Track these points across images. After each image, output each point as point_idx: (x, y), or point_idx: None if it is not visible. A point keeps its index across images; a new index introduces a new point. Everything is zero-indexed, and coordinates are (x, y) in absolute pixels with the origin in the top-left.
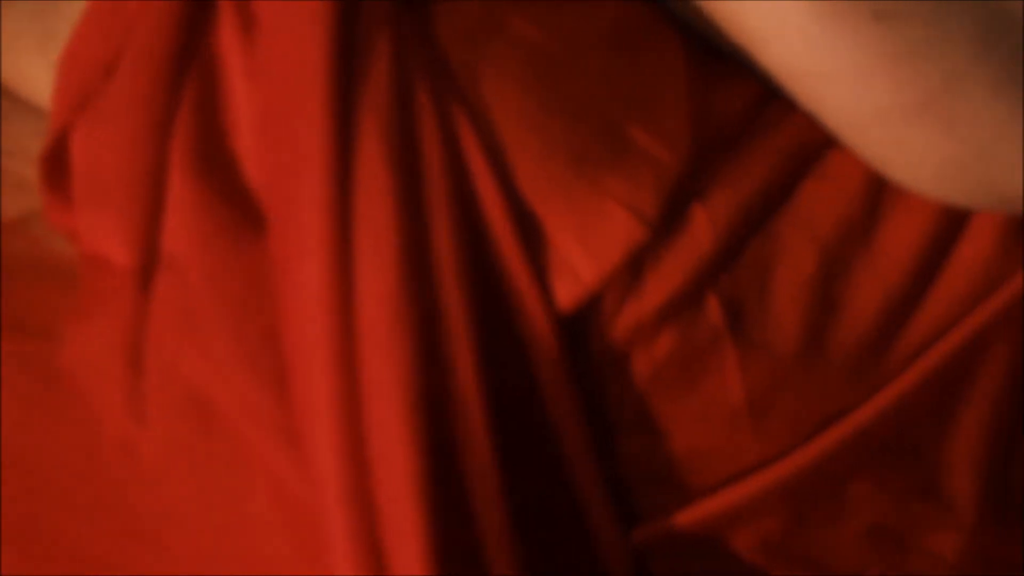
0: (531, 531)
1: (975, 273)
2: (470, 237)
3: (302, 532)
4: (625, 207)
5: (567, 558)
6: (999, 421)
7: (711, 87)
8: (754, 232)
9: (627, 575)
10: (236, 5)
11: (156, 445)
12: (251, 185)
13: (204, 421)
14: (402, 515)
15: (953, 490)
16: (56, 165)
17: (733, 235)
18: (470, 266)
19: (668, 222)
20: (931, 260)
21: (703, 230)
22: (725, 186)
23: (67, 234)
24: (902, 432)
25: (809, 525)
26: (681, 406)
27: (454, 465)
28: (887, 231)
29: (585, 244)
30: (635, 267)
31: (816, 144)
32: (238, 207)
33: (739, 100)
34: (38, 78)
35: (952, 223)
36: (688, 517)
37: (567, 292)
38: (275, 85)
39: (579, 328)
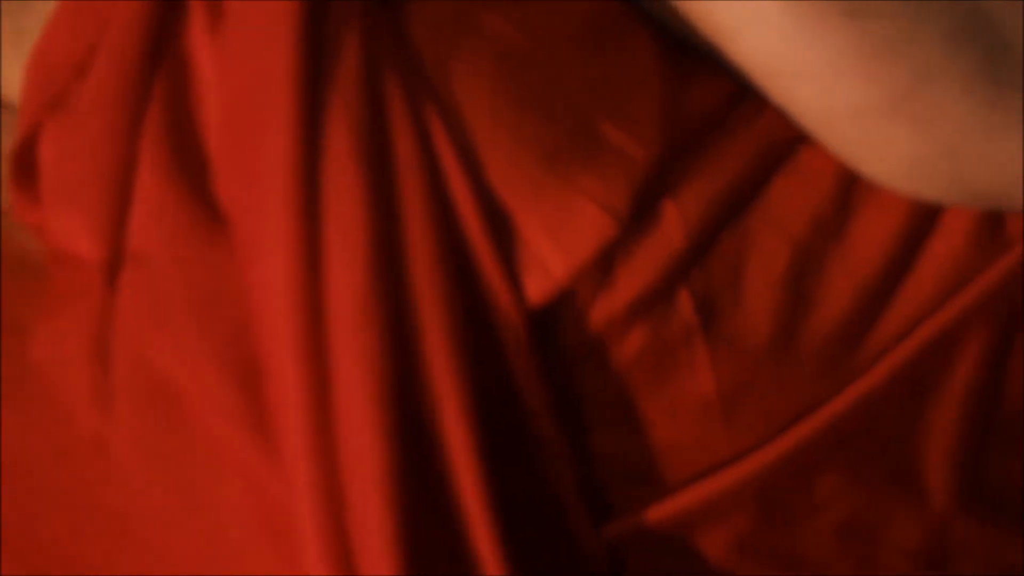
0: (504, 525)
1: (947, 268)
2: (441, 233)
3: (273, 525)
4: (596, 203)
5: (541, 553)
6: (973, 414)
7: (683, 84)
8: (726, 228)
9: (601, 570)
10: (206, 4)
11: (125, 440)
12: (220, 179)
13: (173, 415)
14: (370, 510)
15: (926, 483)
16: (25, 163)
17: (705, 231)
18: (441, 261)
19: (639, 218)
20: (903, 255)
21: (674, 226)
22: (697, 182)
23: (35, 231)
24: (874, 426)
25: (780, 520)
26: (653, 401)
27: (427, 460)
28: (859, 227)
29: (556, 239)
30: (606, 262)
31: (788, 140)
32: (207, 203)
33: (711, 97)
34: (8, 75)
35: (924, 219)
36: (660, 512)
37: (538, 287)
38: (244, 82)
39: (551, 323)
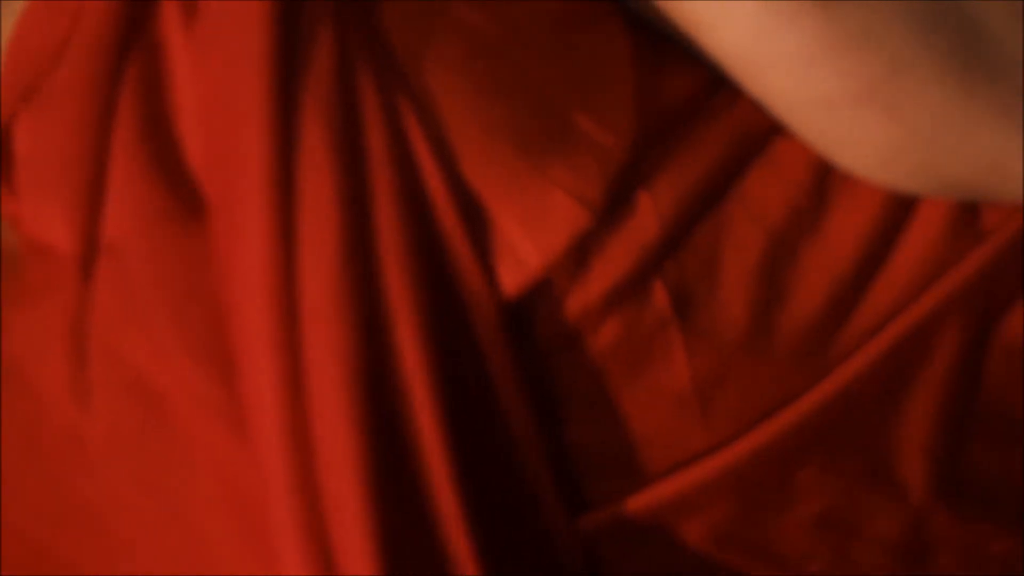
0: (479, 518)
1: (923, 259)
2: (414, 223)
3: (248, 517)
4: (569, 193)
5: (516, 545)
6: (949, 405)
7: (657, 74)
8: (701, 218)
9: (576, 562)
10: None
11: (101, 431)
12: (194, 172)
13: (148, 407)
14: (345, 503)
15: (903, 475)
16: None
17: (679, 221)
18: (415, 252)
19: (613, 208)
20: (879, 246)
21: (648, 216)
22: (671, 172)
23: (10, 221)
24: (850, 417)
25: (757, 512)
26: (628, 393)
27: (401, 451)
28: (834, 217)
29: (529, 230)
30: (580, 253)
31: (763, 131)
32: (181, 194)
33: (686, 87)
34: None
35: (900, 209)
36: (636, 504)
37: (512, 278)
38: (217, 73)
39: (525, 314)
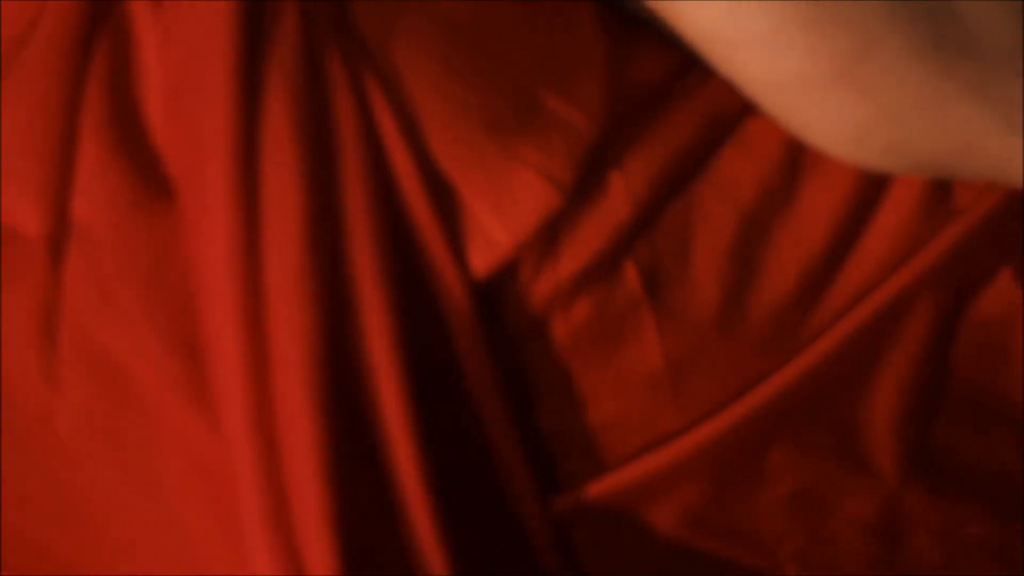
0: (449, 501)
1: (895, 238)
2: (382, 204)
3: (218, 499)
4: (539, 174)
5: (486, 528)
6: (919, 384)
7: (629, 54)
8: (672, 198)
9: (547, 545)
10: None
11: (71, 414)
12: (161, 154)
13: (118, 390)
14: (307, 486)
15: (873, 454)
16: None
17: (651, 202)
18: (382, 233)
19: (584, 189)
20: (851, 225)
21: (620, 197)
22: (643, 153)
23: None
24: (822, 397)
25: (730, 493)
26: (600, 374)
27: (365, 435)
28: (807, 196)
29: (500, 211)
30: (551, 234)
31: (735, 111)
32: (149, 176)
33: (657, 67)
34: None
35: (872, 188)
36: (608, 485)
37: (482, 259)
38: (183, 55)
39: (496, 296)
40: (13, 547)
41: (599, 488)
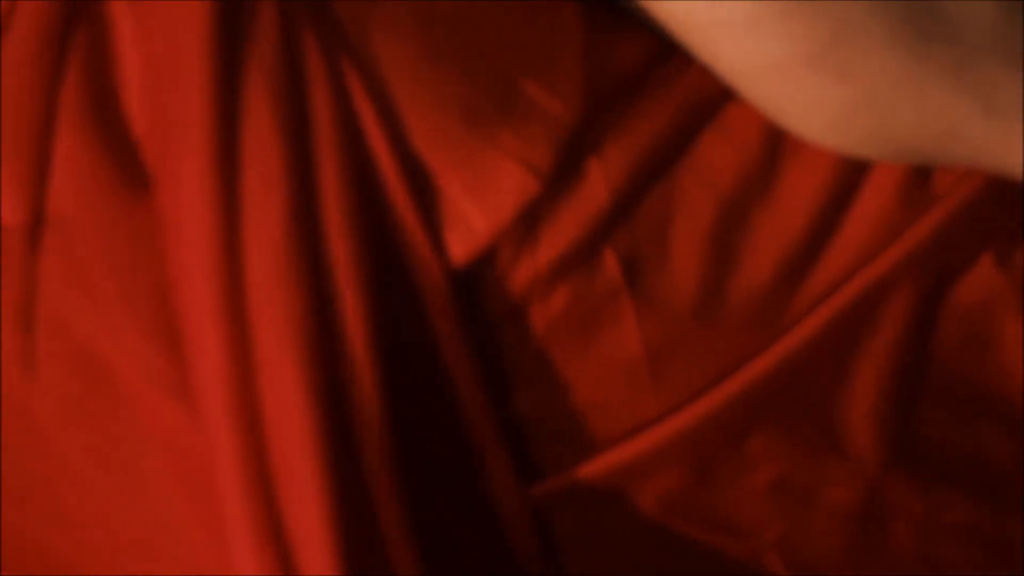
0: (428, 488)
1: (875, 224)
2: (361, 192)
3: (196, 487)
4: (518, 161)
5: (465, 515)
6: (899, 371)
7: (607, 41)
8: (652, 186)
9: (527, 533)
10: None
11: (49, 403)
12: (140, 144)
13: (96, 379)
14: (294, 466)
15: (853, 442)
16: None
17: (630, 189)
18: (361, 220)
19: (563, 176)
20: (831, 211)
21: (598, 184)
22: (621, 140)
23: None
24: (801, 384)
25: (711, 480)
26: (579, 360)
27: (349, 421)
28: (786, 183)
29: (478, 198)
30: (529, 221)
31: (714, 97)
32: (127, 164)
33: (635, 55)
34: None
35: (852, 174)
36: (587, 472)
37: (461, 246)
38: (161, 43)
39: (474, 283)
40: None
41: (578, 475)
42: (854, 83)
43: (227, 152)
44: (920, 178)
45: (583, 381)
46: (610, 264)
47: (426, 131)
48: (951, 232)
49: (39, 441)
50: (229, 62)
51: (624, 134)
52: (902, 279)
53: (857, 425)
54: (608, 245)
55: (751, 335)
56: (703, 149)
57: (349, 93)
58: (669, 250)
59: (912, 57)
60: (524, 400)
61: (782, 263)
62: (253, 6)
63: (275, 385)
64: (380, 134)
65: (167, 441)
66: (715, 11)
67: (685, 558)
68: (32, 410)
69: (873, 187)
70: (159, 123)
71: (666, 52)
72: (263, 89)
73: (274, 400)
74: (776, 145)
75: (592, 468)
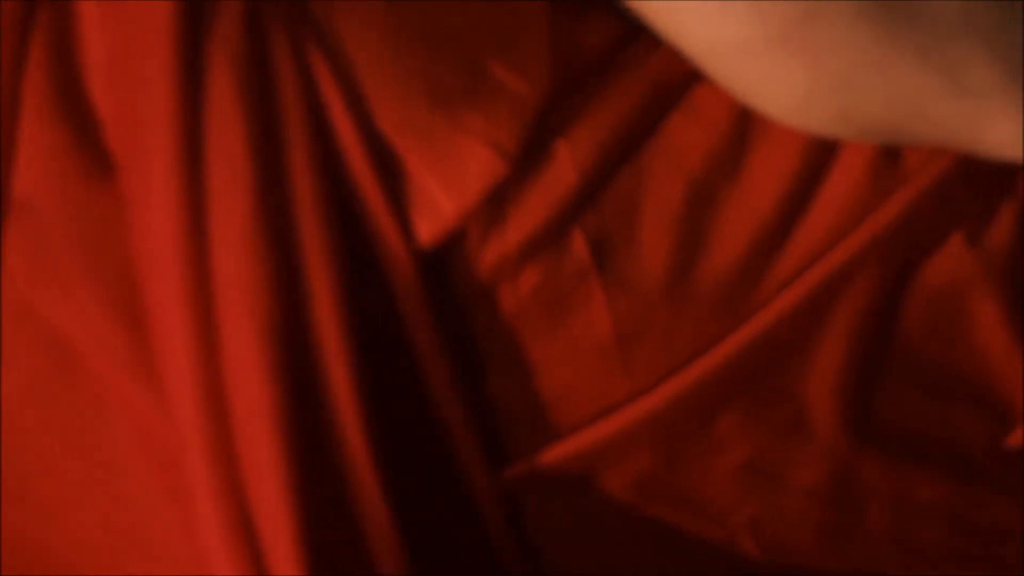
0: (397, 471)
1: (844, 205)
2: (328, 175)
3: (164, 472)
4: (485, 142)
5: (434, 498)
6: (866, 352)
7: (575, 23)
8: (620, 167)
9: (498, 515)
10: None
11: (15, 388)
12: (104, 127)
13: (62, 363)
14: (261, 450)
15: (820, 423)
16: None
17: (598, 170)
18: (328, 203)
19: (530, 158)
20: (800, 192)
21: (566, 165)
22: (589, 121)
23: None
24: (769, 366)
25: (680, 462)
26: (548, 343)
27: (316, 404)
28: (755, 164)
29: (445, 179)
30: (497, 203)
31: (682, 78)
32: (91, 148)
33: (602, 36)
34: None
35: (821, 154)
36: (558, 454)
37: (428, 228)
38: (125, 27)
39: (442, 265)
40: None
41: (549, 457)
42: (821, 63)
43: (192, 136)
44: (889, 158)
45: (553, 363)
46: (579, 246)
47: (393, 114)
48: (920, 212)
49: (6, 425)
50: (194, 46)
51: (592, 115)
52: (871, 259)
53: (824, 406)
54: (576, 227)
55: (720, 316)
56: (671, 130)
57: (315, 77)
58: (638, 231)
59: (880, 36)
60: (494, 383)
61: (751, 244)
62: None
63: (241, 369)
64: (347, 117)
65: (135, 425)
66: None
67: (656, 540)
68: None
69: (842, 167)
70: (124, 107)
71: (633, 33)
72: (228, 72)
73: (240, 386)
74: (745, 126)
75: (562, 450)
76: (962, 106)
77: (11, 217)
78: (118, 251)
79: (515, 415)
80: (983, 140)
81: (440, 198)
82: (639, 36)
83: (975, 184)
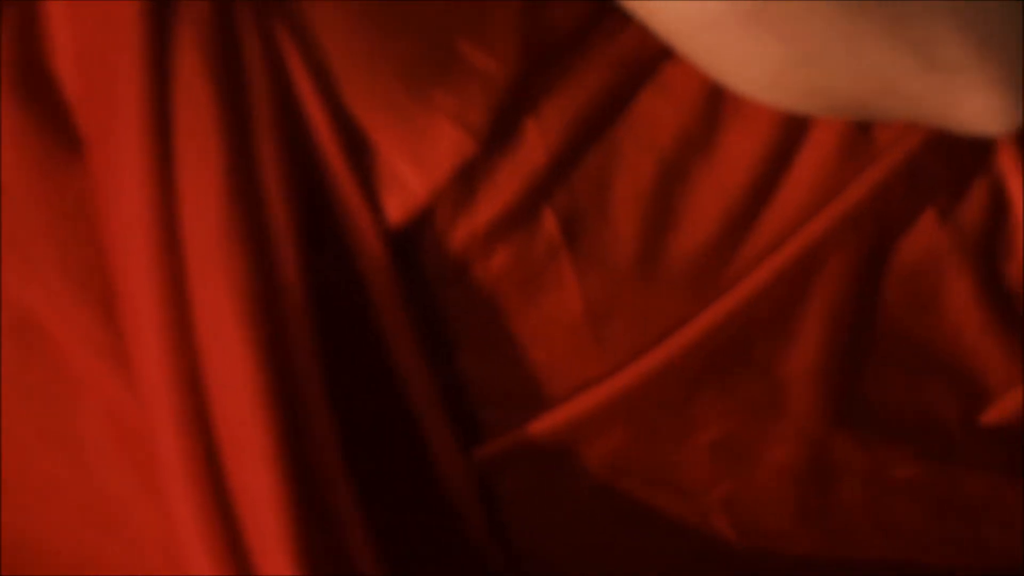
0: (367, 452)
1: (816, 181)
2: (297, 154)
3: (135, 454)
4: (453, 120)
5: (405, 479)
6: (842, 329)
7: (543, 1)
8: (590, 144)
9: (470, 496)
10: None
11: None
12: (72, 107)
13: (33, 346)
14: (244, 427)
15: (795, 400)
16: None
17: (568, 148)
18: (297, 182)
19: (499, 136)
20: (772, 169)
21: (536, 144)
22: (558, 99)
23: None
24: (743, 342)
25: (655, 439)
26: (520, 321)
27: (292, 383)
28: (727, 140)
29: (414, 158)
30: (466, 181)
31: (652, 55)
32: (60, 130)
33: (572, 13)
34: None
35: (793, 131)
36: (531, 433)
37: (397, 206)
38: (92, 8)
39: (413, 244)
40: None
41: (523, 436)
42: (791, 39)
43: (161, 116)
44: (861, 134)
45: (525, 342)
46: (549, 223)
47: (361, 92)
48: (892, 188)
49: None
50: (161, 26)
51: (561, 93)
52: (844, 236)
53: (799, 383)
54: (547, 204)
55: (693, 293)
56: (642, 107)
57: (283, 55)
58: (609, 209)
59: (849, 12)
60: (466, 361)
61: (723, 221)
62: None
63: (219, 347)
64: (315, 95)
65: (106, 409)
66: None
67: (631, 518)
68: None
69: (814, 143)
70: (91, 87)
71: (603, 11)
72: (197, 52)
73: (218, 363)
74: (716, 103)
75: (535, 429)
76: (933, 80)
77: None
78: (89, 233)
79: (488, 394)
80: (954, 115)
81: (409, 176)
82: (609, 13)
83: (947, 159)
